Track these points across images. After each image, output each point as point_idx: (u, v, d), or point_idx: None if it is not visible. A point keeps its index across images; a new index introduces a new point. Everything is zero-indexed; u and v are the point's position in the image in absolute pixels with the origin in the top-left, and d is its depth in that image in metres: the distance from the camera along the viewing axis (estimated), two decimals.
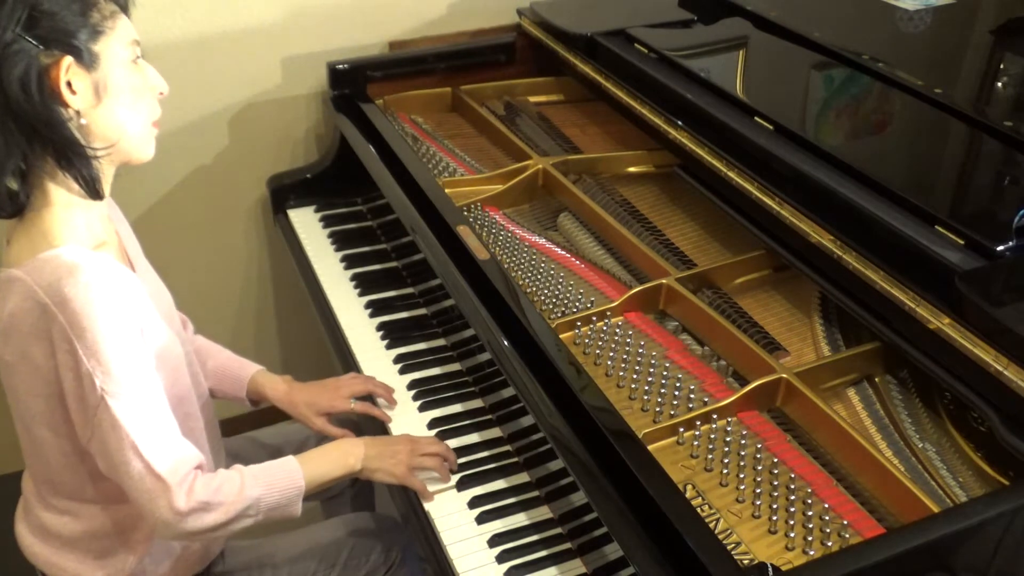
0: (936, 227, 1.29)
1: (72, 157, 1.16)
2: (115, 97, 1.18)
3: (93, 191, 1.19)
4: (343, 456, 1.39)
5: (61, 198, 1.18)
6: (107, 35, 1.15)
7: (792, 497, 1.24)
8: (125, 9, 1.21)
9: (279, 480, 1.30)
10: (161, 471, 1.17)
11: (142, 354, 1.19)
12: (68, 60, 1.12)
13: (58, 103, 1.13)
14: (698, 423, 1.34)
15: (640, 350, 1.48)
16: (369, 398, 1.59)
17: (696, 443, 1.33)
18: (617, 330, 1.51)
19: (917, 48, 1.82)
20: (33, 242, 1.17)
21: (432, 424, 1.54)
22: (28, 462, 1.35)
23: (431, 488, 1.41)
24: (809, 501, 1.24)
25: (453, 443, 1.49)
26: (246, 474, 1.28)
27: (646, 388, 1.41)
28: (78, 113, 1.15)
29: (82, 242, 1.18)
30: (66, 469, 1.27)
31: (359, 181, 1.95)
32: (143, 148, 1.24)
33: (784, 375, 1.35)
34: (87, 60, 1.14)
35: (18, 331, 1.16)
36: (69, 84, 1.13)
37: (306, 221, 2.06)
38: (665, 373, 1.43)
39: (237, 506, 1.24)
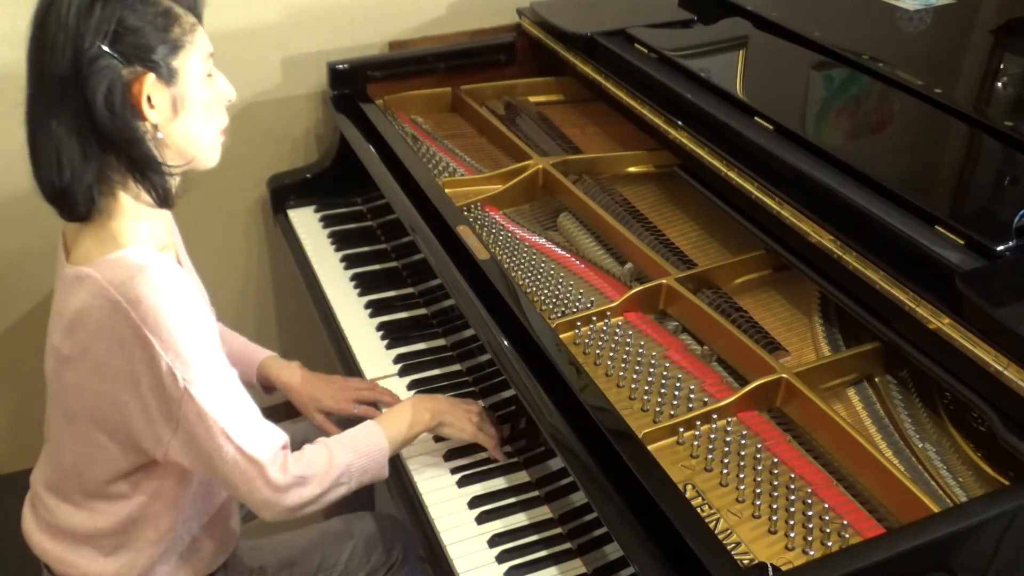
0: (936, 227, 1.29)
1: (147, 171, 1.18)
2: (191, 110, 1.20)
3: (164, 201, 1.22)
4: (419, 412, 1.43)
5: (130, 206, 1.21)
6: (186, 50, 1.18)
7: (792, 497, 1.24)
8: (200, 19, 1.22)
9: (363, 444, 1.34)
10: (253, 452, 1.21)
11: (214, 343, 1.22)
12: (151, 77, 1.14)
13: (138, 118, 1.15)
14: (698, 423, 1.34)
15: (640, 350, 1.48)
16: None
17: (696, 443, 1.33)
18: (617, 330, 1.51)
19: (917, 48, 1.82)
20: (102, 243, 1.19)
21: None
22: (52, 456, 1.35)
23: (433, 486, 1.42)
24: (809, 501, 1.24)
25: (455, 443, 1.49)
26: (332, 444, 1.32)
27: (646, 388, 1.41)
28: (155, 127, 1.17)
29: (148, 245, 1.21)
30: (98, 464, 1.28)
31: (359, 181, 1.95)
32: (211, 157, 1.27)
33: (784, 375, 1.35)
34: (166, 75, 1.16)
35: (84, 327, 1.18)
36: (149, 99, 1.15)
37: (306, 221, 2.06)
38: (665, 373, 1.43)
39: (331, 475, 1.29)
